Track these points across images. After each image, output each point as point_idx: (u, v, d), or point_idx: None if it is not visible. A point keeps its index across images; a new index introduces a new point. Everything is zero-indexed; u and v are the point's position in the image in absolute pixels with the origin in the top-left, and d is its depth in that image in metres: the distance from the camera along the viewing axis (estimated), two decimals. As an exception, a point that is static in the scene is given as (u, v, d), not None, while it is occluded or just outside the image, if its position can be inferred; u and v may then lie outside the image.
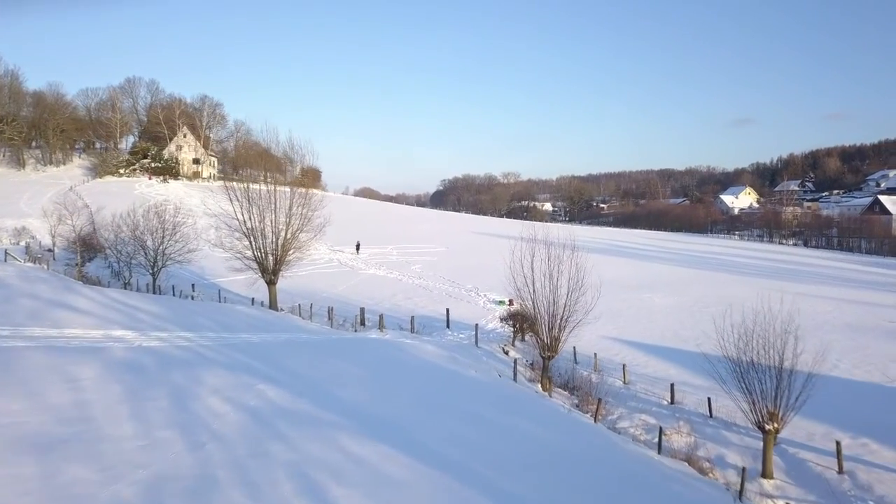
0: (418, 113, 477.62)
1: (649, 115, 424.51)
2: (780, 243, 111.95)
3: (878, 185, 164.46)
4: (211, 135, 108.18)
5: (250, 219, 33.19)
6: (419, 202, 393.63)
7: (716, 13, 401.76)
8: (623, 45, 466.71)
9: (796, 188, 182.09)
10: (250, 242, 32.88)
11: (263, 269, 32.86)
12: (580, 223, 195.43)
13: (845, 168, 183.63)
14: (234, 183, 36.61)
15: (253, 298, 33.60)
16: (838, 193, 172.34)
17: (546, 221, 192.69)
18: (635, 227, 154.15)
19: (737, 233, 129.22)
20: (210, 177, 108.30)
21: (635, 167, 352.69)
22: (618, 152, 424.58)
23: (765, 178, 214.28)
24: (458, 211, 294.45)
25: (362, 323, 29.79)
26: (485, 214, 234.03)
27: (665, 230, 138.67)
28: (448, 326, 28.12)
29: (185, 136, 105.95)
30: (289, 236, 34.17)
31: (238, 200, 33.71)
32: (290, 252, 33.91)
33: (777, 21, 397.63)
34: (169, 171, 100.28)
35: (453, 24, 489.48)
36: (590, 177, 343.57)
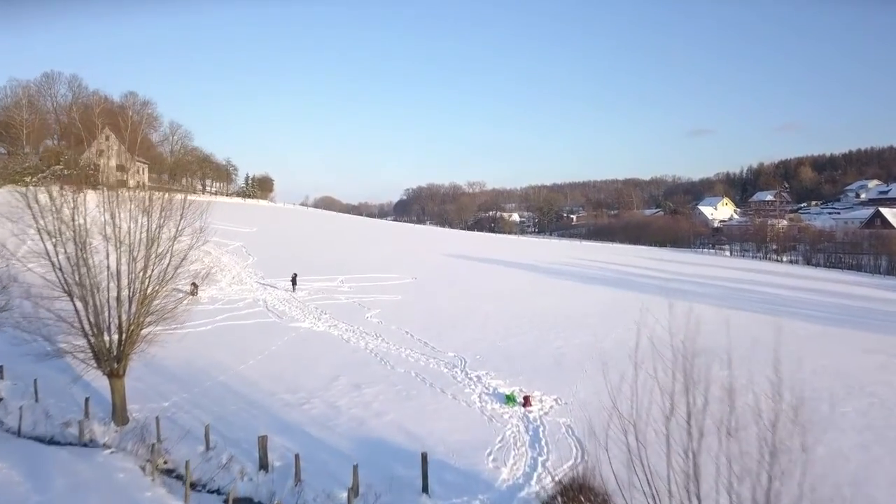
0: (381, 120, 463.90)
1: (611, 124, 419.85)
2: (776, 260, 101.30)
3: (857, 195, 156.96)
4: (138, 138, 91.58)
5: (71, 265, 18.43)
6: (382, 212, 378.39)
7: (675, 25, 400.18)
8: (585, 56, 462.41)
9: (772, 198, 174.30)
10: (75, 307, 18.21)
11: (99, 354, 18.31)
12: (551, 235, 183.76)
13: (822, 178, 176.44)
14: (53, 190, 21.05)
15: (87, 399, 18.99)
16: (817, 204, 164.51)
17: (515, 233, 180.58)
18: (612, 241, 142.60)
19: (725, 247, 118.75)
20: (139, 185, 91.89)
21: (600, 177, 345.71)
22: (582, 162, 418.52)
23: (735, 187, 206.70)
24: (422, 221, 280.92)
25: (263, 466, 15.60)
26: (451, 225, 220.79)
27: (646, 244, 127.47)
28: (426, 490, 14.07)
29: (107, 138, 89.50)
30: (148, 288, 19.61)
31: (47, 229, 18.76)
32: (146, 322, 19.30)
33: (733, 33, 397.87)
34: (85, 179, 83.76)
35: (416, 30, 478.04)
36: (555, 186, 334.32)
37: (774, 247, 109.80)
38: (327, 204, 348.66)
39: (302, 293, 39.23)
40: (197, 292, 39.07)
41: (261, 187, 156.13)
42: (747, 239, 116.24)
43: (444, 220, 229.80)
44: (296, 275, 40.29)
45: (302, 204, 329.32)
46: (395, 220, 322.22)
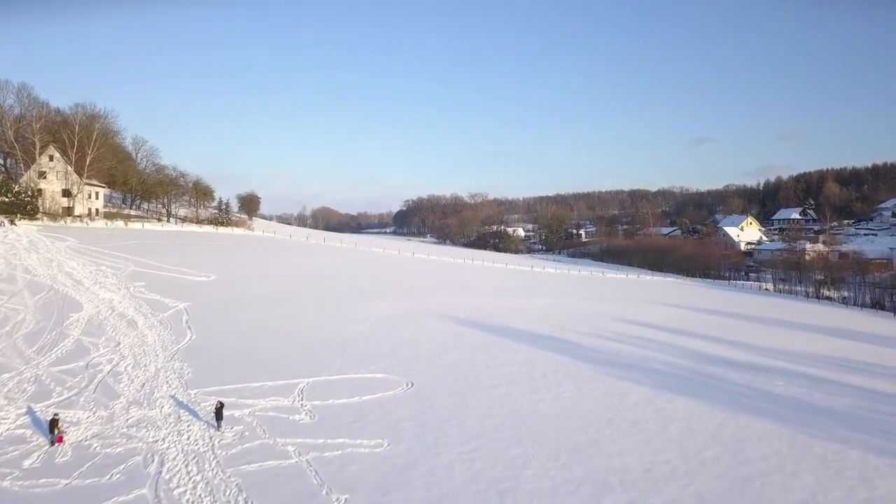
0: (382, 128, 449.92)
1: (613, 132, 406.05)
2: (829, 297, 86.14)
3: (894, 214, 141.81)
4: (88, 157, 76.20)
5: None
6: (382, 222, 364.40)
7: (676, 29, 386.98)
8: (586, 64, 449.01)
9: (798, 216, 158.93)
10: None
11: None
12: (559, 253, 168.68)
13: (853, 195, 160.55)
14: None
15: None
16: (849, 224, 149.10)
17: (521, 252, 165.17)
18: (629, 264, 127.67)
19: (766, 275, 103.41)
20: (91, 213, 76.86)
21: (604, 187, 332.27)
22: (585, 171, 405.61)
23: (753, 202, 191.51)
24: (422, 234, 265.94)
25: None
26: (452, 240, 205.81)
27: (671, 271, 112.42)
28: None
29: (50, 158, 74.45)
30: None
31: None
32: None
33: (734, 39, 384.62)
34: (20, 207, 68.61)
35: (417, 41, 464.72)
36: (559, 197, 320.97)
37: (820, 276, 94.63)
38: (325, 215, 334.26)
39: (232, 432, 24.06)
40: (56, 436, 23.96)
41: (245, 206, 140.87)
42: (787, 267, 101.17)
43: (445, 234, 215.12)
44: (222, 405, 24.88)
45: (298, 216, 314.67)
46: (394, 231, 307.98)
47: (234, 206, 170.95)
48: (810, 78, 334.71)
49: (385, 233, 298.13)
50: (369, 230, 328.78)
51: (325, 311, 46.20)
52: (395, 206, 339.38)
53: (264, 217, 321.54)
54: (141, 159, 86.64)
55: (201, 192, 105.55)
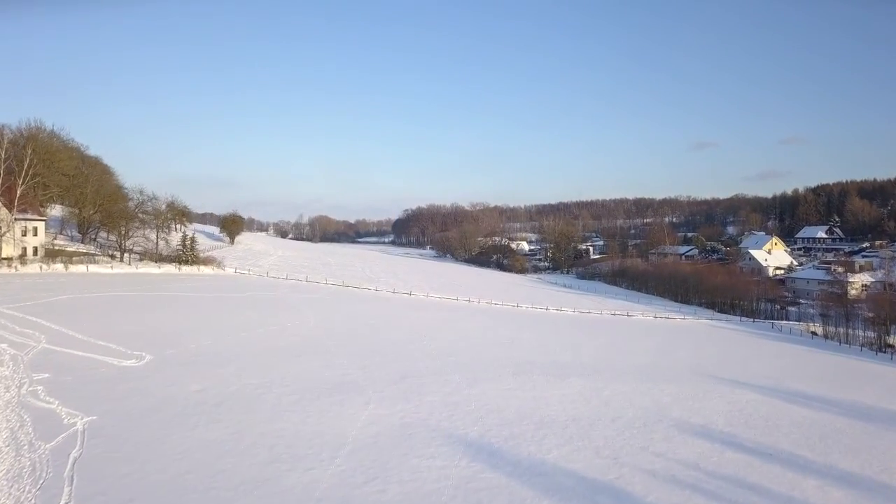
0: (381, 133, 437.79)
1: (613, 137, 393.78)
2: (889, 346, 72.96)
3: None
4: (18, 186, 62.58)
5: None
6: (380, 229, 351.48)
7: (678, 32, 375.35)
8: (587, 67, 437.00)
9: (824, 235, 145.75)
10: None
11: None
12: (567, 273, 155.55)
13: (883, 211, 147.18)
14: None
15: None
16: (882, 245, 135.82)
17: (527, 271, 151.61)
18: (646, 290, 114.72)
19: (807, 308, 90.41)
20: (25, 254, 63.46)
21: (607, 195, 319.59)
22: (587, 176, 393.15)
23: (767, 213, 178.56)
24: (422, 244, 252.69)
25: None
26: (453, 255, 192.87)
27: (697, 303, 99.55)
28: None
29: (-25, 188, 61.35)
30: None
31: None
32: None
33: (736, 42, 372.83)
34: (-70, 250, 55.42)
35: (414, 47, 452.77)
36: (561, 205, 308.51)
37: (870, 314, 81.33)
38: (322, 223, 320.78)
39: None
40: None
41: (226, 229, 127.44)
42: (831, 302, 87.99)
43: (445, 248, 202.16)
44: None
45: (295, 223, 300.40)
46: (393, 241, 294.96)
47: (217, 225, 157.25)
48: (814, 81, 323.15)
49: (383, 242, 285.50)
50: (367, 238, 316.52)
51: (280, 430, 32.14)
52: (395, 212, 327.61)
53: (261, 225, 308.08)
54: (93, 184, 73.52)
55: (177, 214, 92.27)
